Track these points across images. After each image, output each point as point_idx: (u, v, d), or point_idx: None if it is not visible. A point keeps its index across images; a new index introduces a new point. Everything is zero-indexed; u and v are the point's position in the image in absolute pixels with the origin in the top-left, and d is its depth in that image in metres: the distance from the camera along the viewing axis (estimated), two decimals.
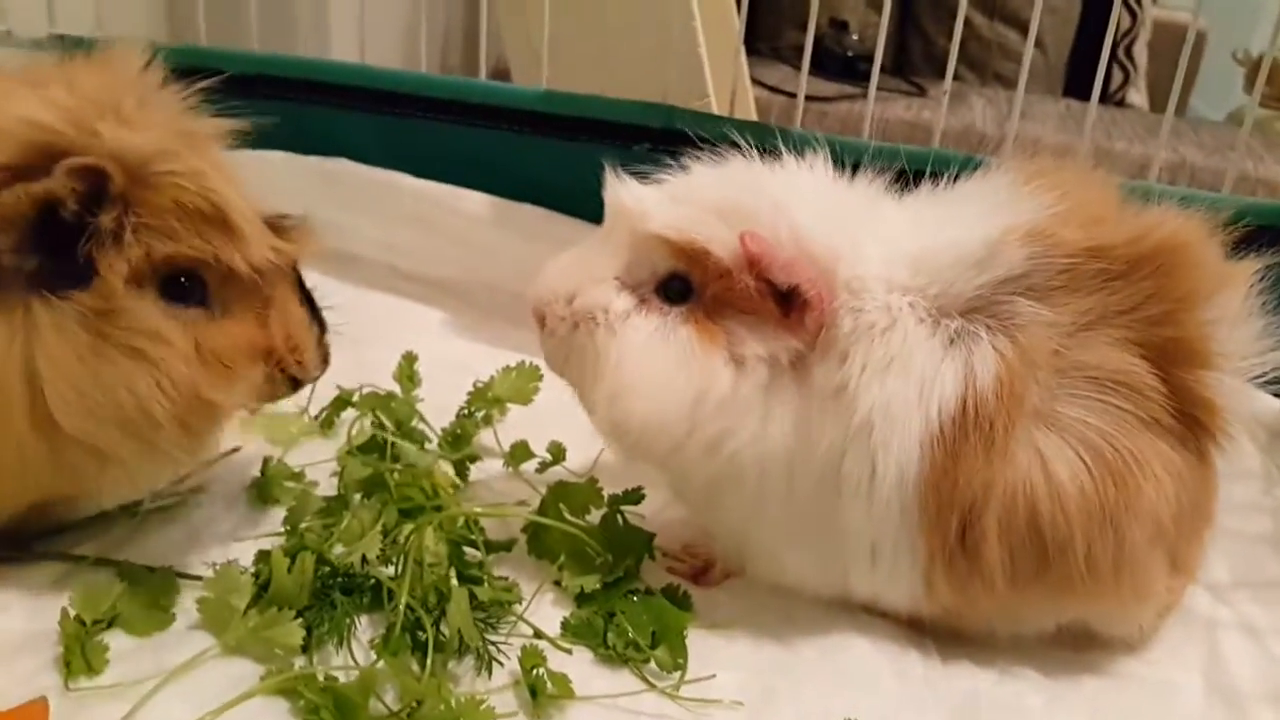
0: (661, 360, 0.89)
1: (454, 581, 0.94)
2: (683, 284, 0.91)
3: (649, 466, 0.98)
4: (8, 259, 0.81)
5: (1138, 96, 3.83)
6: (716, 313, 0.90)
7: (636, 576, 1.00)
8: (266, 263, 0.90)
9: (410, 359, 1.28)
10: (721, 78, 1.56)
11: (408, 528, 0.98)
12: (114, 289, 0.83)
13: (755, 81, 2.62)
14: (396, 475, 1.08)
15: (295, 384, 0.97)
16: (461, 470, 1.16)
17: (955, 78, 1.44)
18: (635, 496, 1.03)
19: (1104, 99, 3.58)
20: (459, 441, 1.19)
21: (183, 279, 0.87)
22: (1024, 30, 3.66)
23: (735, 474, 0.90)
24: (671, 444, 0.89)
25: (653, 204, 0.91)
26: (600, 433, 0.95)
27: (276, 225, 0.94)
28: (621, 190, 0.93)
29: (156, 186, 0.84)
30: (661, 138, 1.47)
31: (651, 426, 0.88)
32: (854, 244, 0.89)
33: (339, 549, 0.97)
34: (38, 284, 0.83)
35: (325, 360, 0.99)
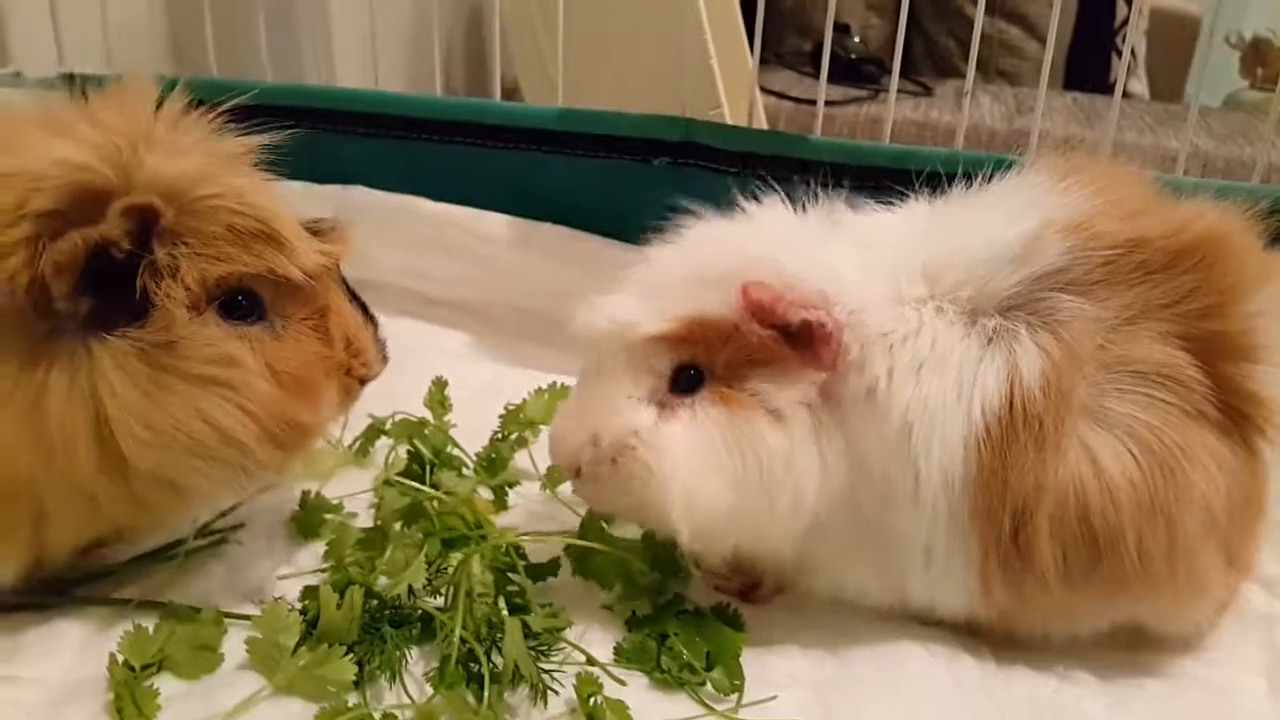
0: (710, 447, 0.86)
1: (504, 611, 0.93)
2: (693, 371, 0.89)
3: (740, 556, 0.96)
4: (63, 305, 0.81)
5: (1138, 85, 3.82)
6: (735, 380, 0.88)
7: (684, 596, 0.99)
8: (317, 268, 0.91)
9: (440, 384, 1.27)
10: (732, 87, 1.55)
11: (455, 557, 0.97)
12: (175, 318, 0.83)
13: (761, 89, 2.62)
14: (436, 504, 1.07)
15: (363, 382, 0.98)
16: (500, 495, 1.15)
17: (959, 75, 1.43)
18: None
19: (1107, 89, 3.57)
20: (495, 466, 1.18)
21: (240, 297, 0.88)
22: (1025, 26, 3.65)
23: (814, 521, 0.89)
24: (760, 523, 0.87)
25: (633, 311, 0.89)
26: (689, 544, 0.89)
27: (315, 230, 0.95)
28: (592, 315, 0.91)
29: (202, 211, 0.85)
30: (680, 151, 1.46)
31: (732, 510, 0.86)
32: (834, 274, 0.89)
33: (383, 580, 0.96)
34: (93, 325, 0.82)
35: (385, 356, 1.00)
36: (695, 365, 0.89)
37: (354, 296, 1.00)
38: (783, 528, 0.88)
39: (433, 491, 1.10)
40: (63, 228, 0.80)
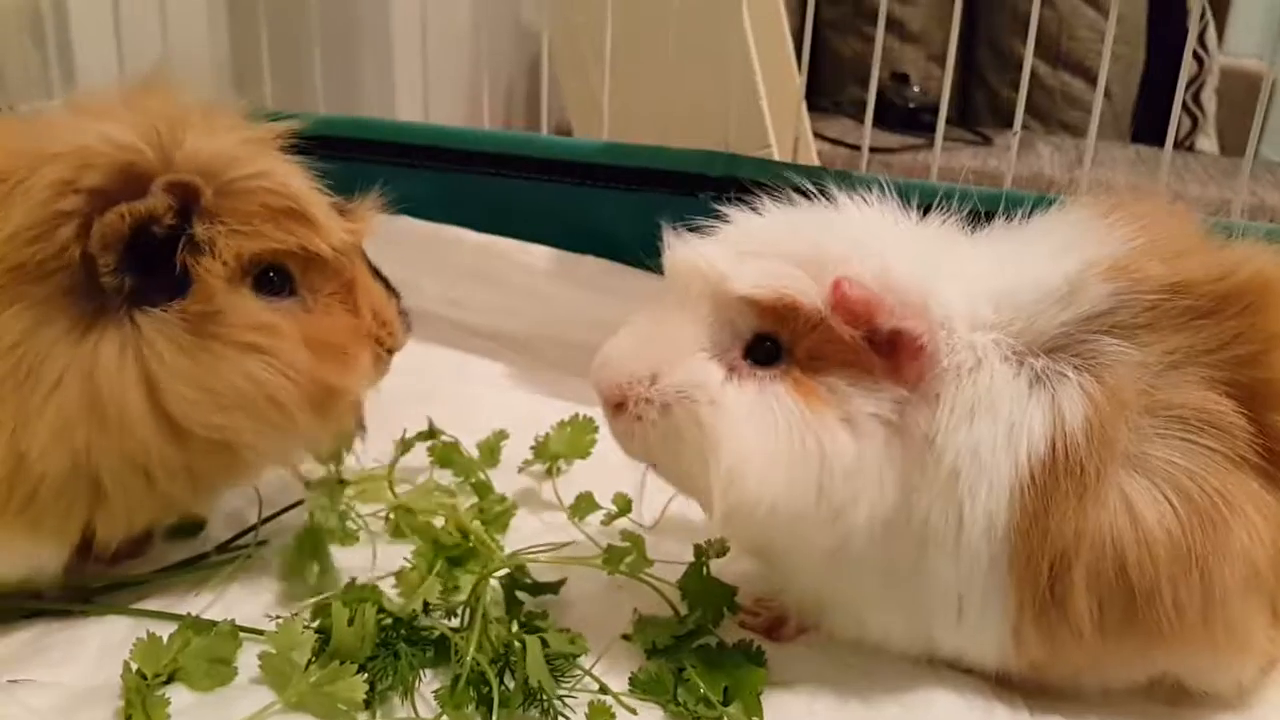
0: (774, 429, 0.82)
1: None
2: (772, 345, 0.84)
3: (756, 541, 0.92)
4: (108, 280, 0.84)
5: (1207, 143, 3.76)
6: (813, 369, 0.83)
7: (711, 631, 0.97)
8: (344, 244, 0.95)
9: (499, 436, 1.29)
10: (783, 129, 1.55)
11: (466, 578, 0.97)
12: (214, 290, 0.87)
13: (817, 135, 2.61)
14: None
15: (390, 352, 1.02)
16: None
17: (1021, 126, 1.41)
18: (720, 547, 1.01)
19: (1174, 145, 3.52)
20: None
21: (271, 274, 0.91)
22: (1088, 78, 3.62)
23: (847, 540, 0.85)
24: (794, 516, 0.82)
25: (730, 264, 0.84)
26: (718, 515, 0.83)
27: (340, 209, 0.98)
28: (689, 252, 0.87)
29: (238, 191, 0.88)
30: (724, 186, 1.46)
31: (779, 500, 0.81)
32: (937, 282, 0.85)
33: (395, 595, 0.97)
34: (137, 300, 0.86)
35: (409, 327, 1.04)
36: (776, 339, 0.84)
37: (376, 273, 1.03)
38: (820, 536, 0.84)
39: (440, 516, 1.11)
40: (108, 204, 0.83)
